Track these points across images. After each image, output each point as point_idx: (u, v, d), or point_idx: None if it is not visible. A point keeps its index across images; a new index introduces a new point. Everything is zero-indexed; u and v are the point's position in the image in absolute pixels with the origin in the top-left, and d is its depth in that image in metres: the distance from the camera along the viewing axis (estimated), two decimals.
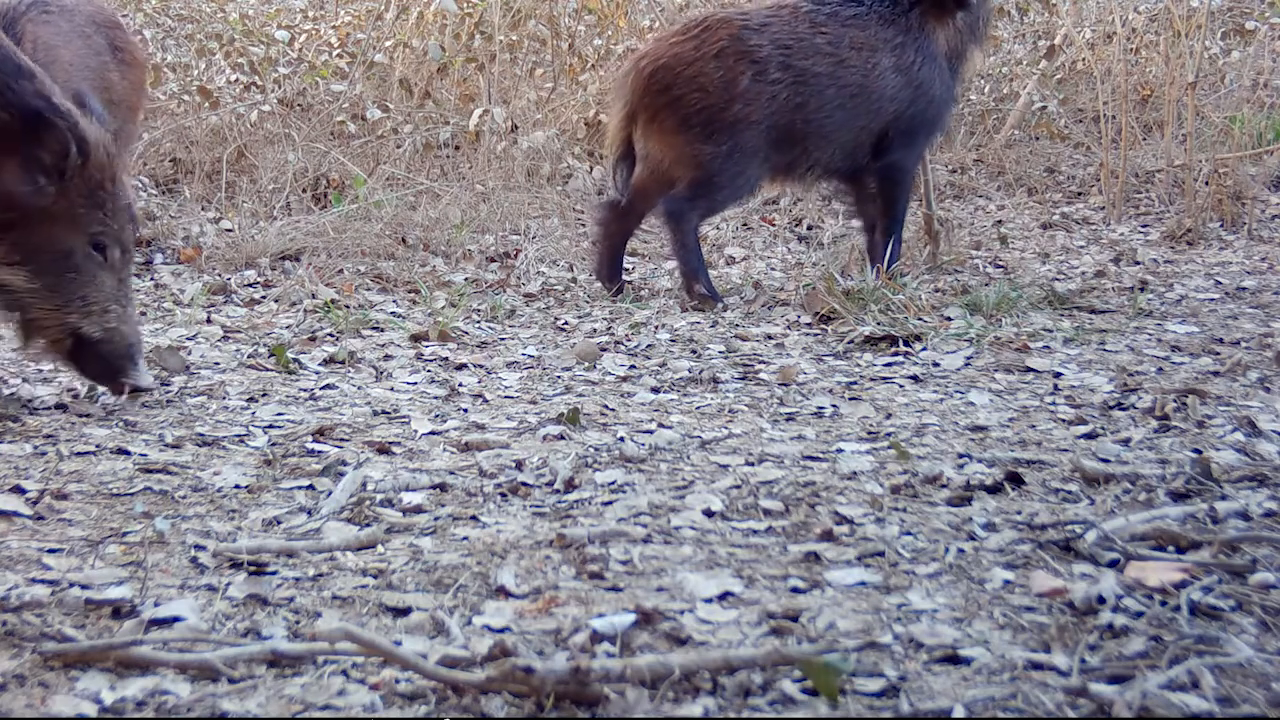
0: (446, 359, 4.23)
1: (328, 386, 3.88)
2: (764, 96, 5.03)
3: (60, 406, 3.54)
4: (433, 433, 3.36)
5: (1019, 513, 2.67)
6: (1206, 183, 6.98)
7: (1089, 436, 3.29)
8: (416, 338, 4.49)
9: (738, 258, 6.24)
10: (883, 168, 5.32)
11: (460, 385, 3.89)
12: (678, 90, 5.03)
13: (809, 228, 6.78)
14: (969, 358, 4.18)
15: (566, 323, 4.82)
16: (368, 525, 2.60)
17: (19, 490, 2.78)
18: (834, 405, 3.64)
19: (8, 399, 3.58)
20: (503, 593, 2.25)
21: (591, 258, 5.49)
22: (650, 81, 5.07)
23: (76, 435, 3.27)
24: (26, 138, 3.25)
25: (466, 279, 5.40)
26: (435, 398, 3.76)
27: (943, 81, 5.36)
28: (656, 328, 4.69)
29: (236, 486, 2.87)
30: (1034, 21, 8.80)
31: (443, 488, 2.86)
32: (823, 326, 4.65)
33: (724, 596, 2.24)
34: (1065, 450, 3.16)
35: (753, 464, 3.04)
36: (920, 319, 4.57)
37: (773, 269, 5.80)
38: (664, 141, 5.10)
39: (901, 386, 3.87)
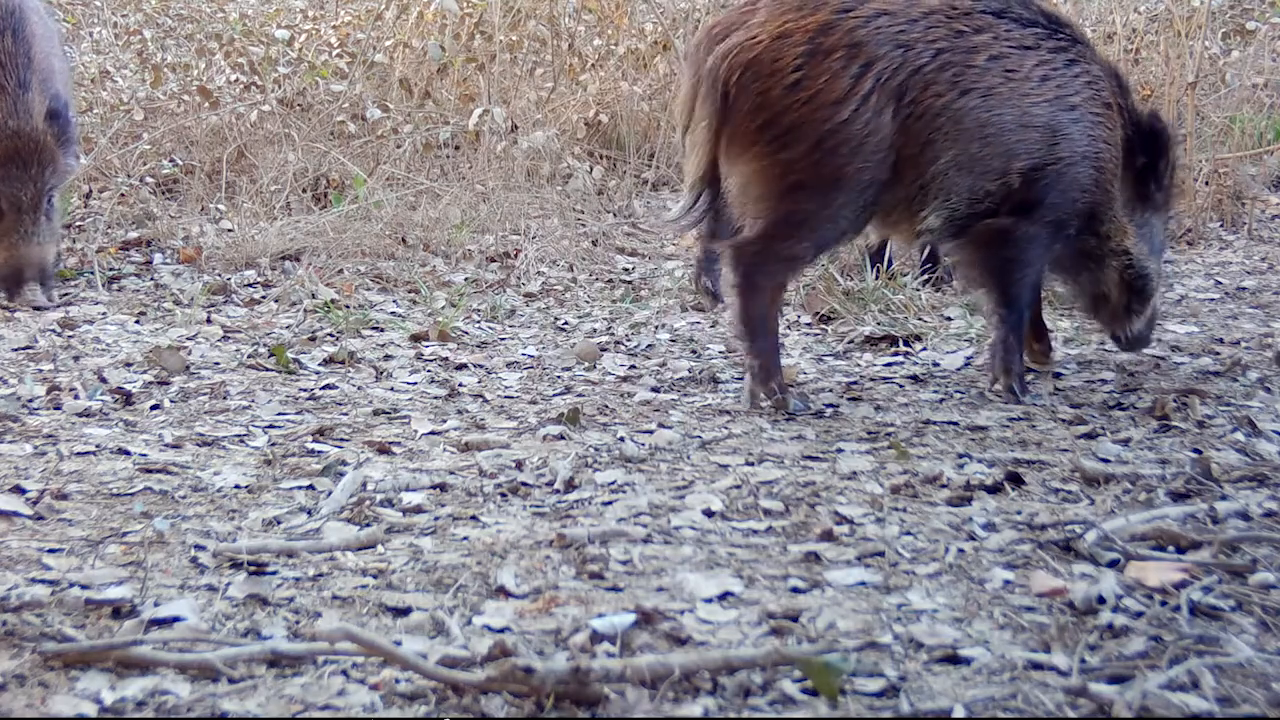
0: (446, 359, 4.23)
1: (328, 386, 3.87)
2: None
3: (59, 406, 3.55)
4: (433, 433, 3.35)
5: (1019, 513, 2.67)
6: (1206, 183, 6.97)
7: (1089, 436, 3.29)
8: (416, 338, 4.49)
9: None
10: None
11: (460, 385, 3.89)
12: None
13: None
14: (969, 358, 4.18)
15: (566, 323, 4.82)
16: (368, 525, 2.60)
17: (19, 490, 2.78)
18: (834, 405, 3.64)
19: (8, 399, 3.58)
20: (503, 593, 2.25)
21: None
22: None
23: (76, 435, 3.27)
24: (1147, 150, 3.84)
25: (466, 279, 5.39)
26: (435, 398, 3.76)
27: None
28: (656, 328, 4.69)
29: (236, 486, 2.87)
30: None
31: (443, 488, 2.86)
32: (823, 326, 4.65)
33: (724, 596, 2.24)
34: (1065, 450, 3.16)
35: (753, 464, 3.04)
36: (920, 319, 4.57)
37: None
38: None
39: (901, 386, 3.87)
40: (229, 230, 5.89)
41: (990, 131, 3.60)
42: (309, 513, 2.70)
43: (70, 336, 4.44)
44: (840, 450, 3.15)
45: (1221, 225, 6.77)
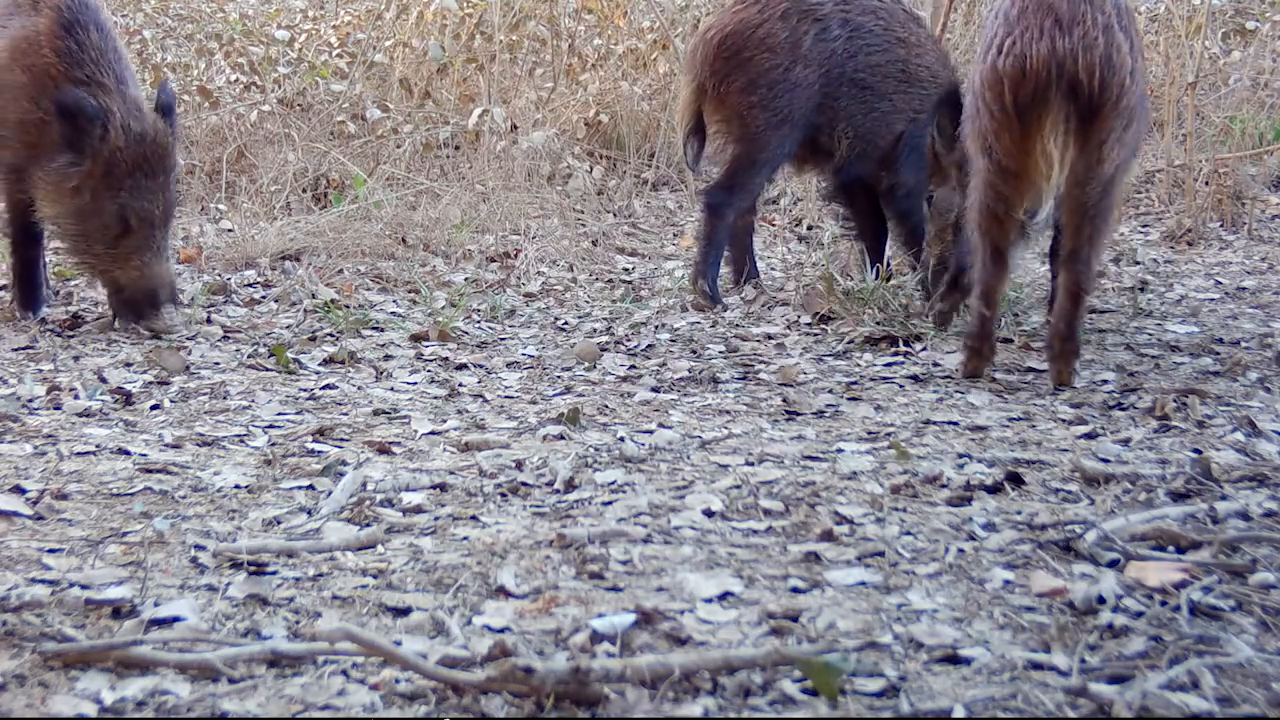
0: (446, 359, 4.23)
1: (328, 386, 3.88)
2: (823, 54, 5.14)
3: (59, 406, 3.55)
4: (433, 433, 3.36)
5: (1019, 513, 2.67)
6: (1206, 183, 6.97)
7: (1089, 436, 3.29)
8: (416, 338, 4.49)
9: None
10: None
11: (460, 385, 3.89)
12: (747, 54, 5.14)
13: (809, 228, 6.78)
14: None
15: (566, 323, 4.82)
16: (368, 525, 2.60)
17: (19, 490, 2.78)
18: (834, 405, 3.64)
19: (8, 399, 3.58)
20: (503, 593, 2.26)
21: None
22: (720, 49, 5.18)
23: (76, 435, 3.27)
24: None
25: (466, 279, 5.40)
26: (435, 398, 3.76)
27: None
28: (656, 328, 4.69)
29: (236, 486, 2.87)
30: None
31: (443, 488, 2.86)
32: (823, 326, 4.65)
33: (724, 596, 2.24)
34: (1065, 450, 3.16)
35: (753, 464, 3.04)
36: (920, 319, 4.57)
37: (773, 269, 5.80)
38: (727, 107, 5.18)
39: (901, 386, 3.87)
40: (229, 230, 5.90)
41: None
42: (309, 513, 2.70)
43: (70, 337, 4.44)
44: (840, 450, 3.15)
45: (1221, 225, 6.77)
